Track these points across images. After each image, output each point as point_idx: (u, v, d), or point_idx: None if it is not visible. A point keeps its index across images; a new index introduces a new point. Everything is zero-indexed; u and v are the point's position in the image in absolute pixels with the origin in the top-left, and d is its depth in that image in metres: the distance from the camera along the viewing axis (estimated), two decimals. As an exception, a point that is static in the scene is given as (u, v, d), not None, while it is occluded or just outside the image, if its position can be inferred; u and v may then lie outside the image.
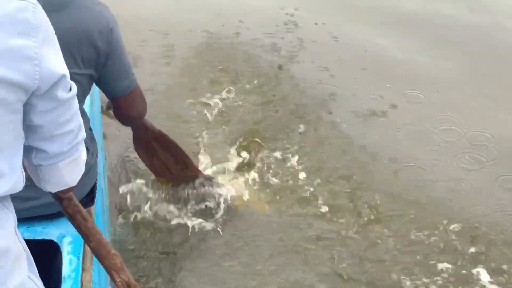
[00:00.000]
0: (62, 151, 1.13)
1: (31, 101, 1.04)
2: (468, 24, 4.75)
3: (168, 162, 2.75)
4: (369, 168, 3.25)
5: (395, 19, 4.79)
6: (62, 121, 1.10)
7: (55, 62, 1.04)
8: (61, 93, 1.07)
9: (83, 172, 1.23)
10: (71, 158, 1.15)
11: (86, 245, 1.50)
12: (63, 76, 1.06)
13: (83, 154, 1.20)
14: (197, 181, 2.85)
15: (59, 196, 1.36)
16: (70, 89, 1.10)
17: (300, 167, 3.20)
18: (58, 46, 1.07)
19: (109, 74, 1.94)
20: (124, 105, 2.14)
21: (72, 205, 1.37)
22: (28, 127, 1.08)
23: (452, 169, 3.29)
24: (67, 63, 1.11)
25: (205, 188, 2.87)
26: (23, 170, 1.09)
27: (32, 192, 1.34)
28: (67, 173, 1.17)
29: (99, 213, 2.09)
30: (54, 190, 1.22)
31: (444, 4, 5.04)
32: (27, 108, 1.05)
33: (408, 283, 2.58)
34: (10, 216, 1.08)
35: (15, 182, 1.05)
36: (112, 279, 1.38)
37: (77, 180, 1.22)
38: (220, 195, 2.89)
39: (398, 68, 4.18)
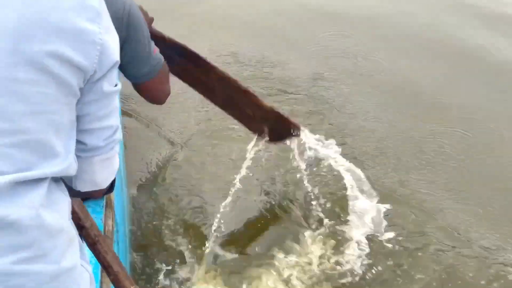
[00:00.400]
0: (99, 146, 1.18)
1: (80, 91, 1.09)
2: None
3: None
4: None
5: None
6: (102, 115, 1.16)
7: (113, 49, 1.11)
8: (107, 86, 1.13)
9: (113, 177, 1.27)
10: (106, 156, 1.21)
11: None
12: (116, 62, 1.13)
13: (116, 159, 1.25)
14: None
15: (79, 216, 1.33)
16: (116, 85, 1.16)
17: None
18: (116, 37, 1.13)
19: (127, 59, 1.85)
20: (144, 91, 2.05)
21: (92, 234, 1.31)
22: None
23: None
24: None
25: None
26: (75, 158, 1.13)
27: None
28: (99, 171, 1.22)
29: (118, 201, 2.03)
30: (84, 188, 1.25)
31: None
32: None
33: None
34: (65, 199, 1.12)
35: (69, 164, 1.09)
36: None
37: (107, 183, 1.26)
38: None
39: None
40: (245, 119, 2.52)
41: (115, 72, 1.15)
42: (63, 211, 1.10)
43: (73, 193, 1.22)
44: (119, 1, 1.75)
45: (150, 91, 2.03)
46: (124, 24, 1.77)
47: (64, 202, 1.12)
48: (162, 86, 2.05)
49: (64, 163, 1.07)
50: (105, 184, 1.27)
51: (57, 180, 1.11)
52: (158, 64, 1.96)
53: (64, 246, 1.07)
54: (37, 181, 1.03)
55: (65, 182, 1.18)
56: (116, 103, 1.19)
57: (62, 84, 1.03)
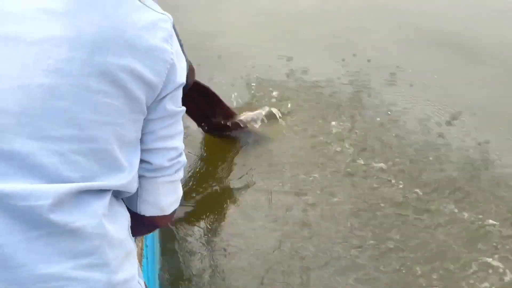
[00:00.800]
0: (164, 166, 1.19)
1: (162, 92, 1.12)
2: None
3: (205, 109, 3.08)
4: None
5: None
6: (166, 135, 1.17)
7: (181, 70, 1.14)
8: (171, 106, 1.15)
9: (178, 204, 1.26)
10: (171, 178, 1.21)
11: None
12: (182, 84, 1.15)
13: (180, 185, 1.26)
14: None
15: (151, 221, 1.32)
16: (180, 106, 1.18)
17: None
18: (184, 61, 1.17)
19: None
20: None
21: None
22: None
23: None
24: None
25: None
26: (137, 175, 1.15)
27: None
28: (163, 194, 1.22)
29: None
30: (148, 212, 1.24)
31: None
32: None
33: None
34: (125, 214, 1.15)
35: (132, 179, 1.11)
36: None
37: (172, 209, 1.25)
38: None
39: None
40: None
41: (180, 93, 1.18)
42: (123, 224, 1.13)
43: (138, 222, 1.23)
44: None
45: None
46: None
47: (123, 216, 1.14)
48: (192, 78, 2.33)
49: (127, 177, 1.09)
50: (169, 210, 1.25)
51: (117, 196, 1.13)
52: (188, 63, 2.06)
53: (122, 258, 1.08)
54: (101, 191, 1.05)
55: (131, 212, 1.20)
56: (181, 127, 1.21)
57: (131, 98, 1.06)
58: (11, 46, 0.99)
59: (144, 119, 1.13)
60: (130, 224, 1.17)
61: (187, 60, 1.91)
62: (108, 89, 1.03)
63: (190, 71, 2.33)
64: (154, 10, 1.11)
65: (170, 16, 1.13)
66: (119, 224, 1.10)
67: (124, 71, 1.03)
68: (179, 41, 1.83)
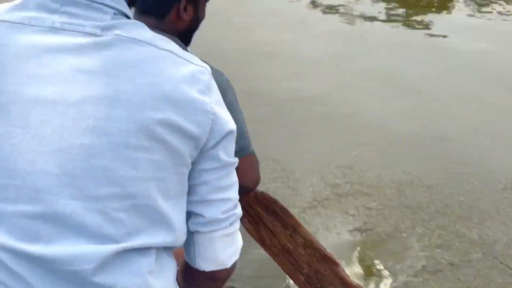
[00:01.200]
0: (218, 218, 1.15)
1: (196, 159, 1.10)
2: None
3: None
4: None
5: None
6: (220, 186, 1.14)
7: (225, 118, 1.11)
8: (223, 155, 1.13)
9: (238, 255, 1.22)
10: (226, 231, 1.17)
11: None
12: (231, 131, 1.13)
13: (239, 235, 1.22)
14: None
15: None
16: (233, 157, 1.16)
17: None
18: (226, 109, 1.14)
19: None
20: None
21: None
22: (189, 189, 1.13)
23: None
24: None
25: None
26: (185, 226, 1.14)
27: None
28: (221, 248, 1.18)
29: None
30: (208, 267, 1.20)
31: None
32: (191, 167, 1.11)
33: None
34: (172, 266, 1.13)
35: (178, 234, 1.10)
36: None
37: (232, 262, 1.21)
38: None
39: None
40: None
41: (232, 143, 1.15)
42: (170, 276, 1.12)
43: (200, 276, 1.21)
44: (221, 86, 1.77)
45: (244, 169, 1.85)
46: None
47: (170, 269, 1.13)
48: (252, 170, 1.92)
49: (173, 232, 1.08)
50: (229, 263, 1.21)
51: (166, 249, 1.12)
52: (250, 146, 1.89)
53: None
54: (146, 249, 1.05)
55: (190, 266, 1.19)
56: (235, 177, 1.18)
57: (172, 152, 1.05)
58: (50, 108, 0.99)
59: (197, 170, 1.12)
60: (175, 274, 1.16)
61: (241, 128, 1.70)
62: (148, 144, 1.02)
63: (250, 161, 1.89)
64: (192, 63, 1.09)
65: (208, 67, 1.12)
66: (166, 278, 1.10)
67: (163, 125, 1.02)
68: (233, 95, 1.78)
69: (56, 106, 0.99)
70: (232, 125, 1.13)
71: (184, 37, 1.73)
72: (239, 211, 1.19)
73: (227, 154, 1.14)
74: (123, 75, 1.01)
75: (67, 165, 0.99)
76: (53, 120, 0.99)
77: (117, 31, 1.04)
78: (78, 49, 1.02)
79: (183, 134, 1.05)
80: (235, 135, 1.15)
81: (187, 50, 1.65)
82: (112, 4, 1.07)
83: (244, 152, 1.85)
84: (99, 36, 1.03)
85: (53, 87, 1.00)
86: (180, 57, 1.08)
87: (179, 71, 1.06)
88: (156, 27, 1.65)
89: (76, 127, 0.99)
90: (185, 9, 1.67)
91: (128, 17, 1.10)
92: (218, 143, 1.11)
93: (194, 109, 1.06)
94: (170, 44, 1.09)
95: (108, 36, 1.03)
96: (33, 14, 1.03)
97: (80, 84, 1.00)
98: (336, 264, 2.04)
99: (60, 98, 1.00)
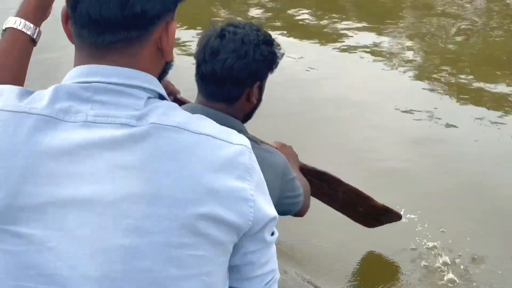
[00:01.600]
0: None
1: (240, 242, 1.06)
2: None
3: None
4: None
5: None
6: (264, 262, 1.12)
7: (266, 204, 1.07)
8: (268, 236, 1.10)
9: None
10: None
11: None
12: (273, 218, 1.09)
13: None
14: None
15: None
16: (273, 233, 1.13)
17: None
18: (267, 190, 1.10)
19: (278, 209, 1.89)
20: None
21: None
22: (231, 268, 1.10)
23: None
24: None
25: None
26: None
27: None
28: None
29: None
30: None
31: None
32: (234, 249, 1.07)
33: None
34: None
35: None
36: None
37: None
38: None
39: None
40: (357, 216, 3.02)
41: (274, 224, 1.12)
42: None
43: None
44: (273, 167, 1.84)
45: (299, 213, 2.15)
46: (277, 186, 1.85)
47: None
48: (306, 208, 2.18)
49: None
50: None
51: None
52: (302, 199, 2.04)
53: None
54: None
55: None
56: (274, 247, 1.15)
57: (216, 244, 1.01)
58: (88, 208, 0.95)
59: (241, 252, 1.08)
60: None
61: (298, 190, 1.96)
62: (191, 240, 0.98)
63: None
64: (230, 143, 1.04)
65: (248, 143, 1.07)
66: None
67: (206, 219, 0.98)
68: (291, 174, 1.91)
69: (94, 206, 0.95)
70: (273, 212, 1.09)
71: (248, 117, 1.88)
72: (277, 275, 1.17)
73: (269, 233, 1.11)
74: (161, 169, 0.97)
75: (107, 267, 0.95)
76: (91, 221, 0.95)
77: (151, 119, 0.99)
78: (113, 143, 0.97)
79: (226, 225, 1.01)
80: (277, 219, 1.12)
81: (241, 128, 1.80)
82: (146, 85, 1.03)
83: (300, 205, 2.06)
84: (134, 126, 0.99)
85: (90, 186, 0.96)
86: (218, 138, 1.03)
87: (217, 157, 1.01)
88: (225, 111, 1.77)
89: (115, 227, 0.95)
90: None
91: (162, 97, 1.06)
92: (262, 228, 1.08)
93: (235, 198, 1.01)
94: (206, 125, 1.04)
95: (143, 126, 0.99)
96: (65, 105, 0.99)
97: (118, 181, 0.96)
98: (370, 199, 2.86)
99: (98, 197, 0.95)
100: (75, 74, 1.03)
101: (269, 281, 1.14)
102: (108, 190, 0.96)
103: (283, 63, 1.91)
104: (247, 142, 1.07)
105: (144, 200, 0.96)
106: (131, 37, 1.02)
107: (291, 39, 6.24)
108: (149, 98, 1.02)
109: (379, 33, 6.47)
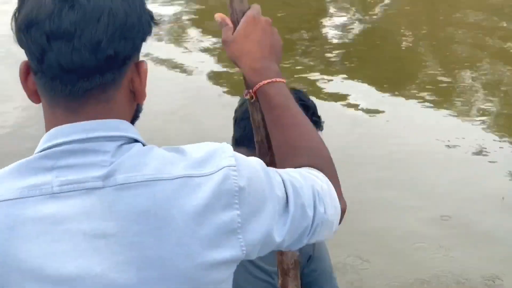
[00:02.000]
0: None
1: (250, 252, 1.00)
2: None
3: None
4: None
5: None
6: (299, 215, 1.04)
7: (259, 227, 0.99)
8: (278, 238, 1.02)
9: None
10: None
11: None
12: (267, 236, 1.01)
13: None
14: None
15: None
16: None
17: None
18: (261, 205, 0.99)
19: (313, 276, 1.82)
20: None
21: None
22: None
23: None
24: None
25: None
26: None
27: None
28: None
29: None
30: None
31: None
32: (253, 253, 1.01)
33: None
34: None
35: None
36: None
37: None
38: None
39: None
40: None
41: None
42: None
43: None
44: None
45: None
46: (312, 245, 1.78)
47: None
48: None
49: None
50: None
51: None
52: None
53: None
54: None
55: None
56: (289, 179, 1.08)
57: (219, 282, 0.97)
58: (77, 285, 0.91)
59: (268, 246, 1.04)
60: None
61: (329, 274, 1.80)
62: None
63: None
64: (211, 173, 0.96)
65: (227, 161, 0.97)
66: None
67: (202, 268, 0.94)
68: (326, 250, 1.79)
69: (82, 281, 0.91)
70: (265, 230, 1.00)
71: None
72: (318, 186, 1.08)
73: (280, 233, 1.03)
74: (142, 230, 0.92)
75: None
76: None
77: (120, 177, 0.92)
78: (86, 213, 0.92)
79: (223, 263, 0.96)
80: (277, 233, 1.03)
81: None
82: (113, 133, 0.95)
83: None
84: (102, 188, 0.92)
85: (74, 262, 0.91)
86: (195, 176, 0.94)
87: (200, 199, 0.93)
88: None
89: None
90: None
91: (135, 139, 0.98)
92: (262, 244, 1.01)
93: (224, 234, 0.95)
94: (180, 162, 0.95)
95: (112, 186, 0.92)
96: (31, 181, 0.93)
97: (101, 251, 0.91)
98: None
99: (84, 272, 0.91)
100: (42, 142, 0.96)
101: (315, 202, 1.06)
102: (93, 263, 0.91)
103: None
104: (226, 161, 0.97)
105: (132, 266, 0.91)
106: (106, 81, 0.95)
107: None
108: (120, 145, 0.95)
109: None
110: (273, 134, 1.20)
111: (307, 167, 1.11)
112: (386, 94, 5.91)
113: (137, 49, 0.99)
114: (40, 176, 0.93)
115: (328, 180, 1.11)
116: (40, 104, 0.99)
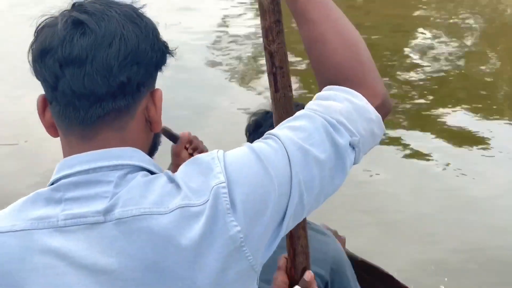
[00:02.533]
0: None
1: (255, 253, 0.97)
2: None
3: None
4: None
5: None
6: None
7: (262, 228, 0.96)
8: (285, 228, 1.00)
9: None
10: None
11: None
12: (280, 219, 0.98)
13: None
14: None
15: None
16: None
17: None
18: (262, 205, 0.96)
19: None
20: None
21: None
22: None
23: None
24: None
25: None
26: None
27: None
28: None
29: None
30: None
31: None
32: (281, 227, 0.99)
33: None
34: None
35: None
36: None
37: None
38: None
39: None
40: None
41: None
42: None
43: None
44: (323, 246, 1.77)
45: None
46: (328, 269, 1.76)
47: None
48: None
49: None
50: None
51: None
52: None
53: None
54: None
55: None
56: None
57: None
58: None
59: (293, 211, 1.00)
60: None
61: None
62: None
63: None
64: (204, 203, 0.92)
65: (216, 180, 0.93)
66: None
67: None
68: (348, 263, 1.81)
69: None
70: (268, 236, 0.98)
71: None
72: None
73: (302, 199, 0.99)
74: (141, 266, 0.92)
75: None
76: None
77: (118, 210, 0.92)
78: (88, 249, 0.92)
79: (239, 274, 0.95)
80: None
81: None
82: (118, 162, 0.95)
83: None
84: (103, 223, 0.92)
85: None
86: (191, 206, 0.92)
87: (197, 229, 0.92)
88: None
89: None
90: None
91: (141, 167, 0.97)
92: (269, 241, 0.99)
93: (230, 253, 0.93)
94: (178, 194, 0.93)
95: (112, 221, 0.92)
96: (41, 212, 0.94)
97: (103, 286, 0.92)
98: None
99: None
100: (54, 173, 0.98)
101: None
102: None
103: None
104: (214, 180, 0.93)
105: None
106: (119, 108, 0.95)
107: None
108: (125, 174, 0.95)
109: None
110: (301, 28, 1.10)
111: (321, 93, 1.06)
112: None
113: (151, 76, 0.99)
114: (50, 208, 0.94)
115: (351, 93, 1.03)
116: None
